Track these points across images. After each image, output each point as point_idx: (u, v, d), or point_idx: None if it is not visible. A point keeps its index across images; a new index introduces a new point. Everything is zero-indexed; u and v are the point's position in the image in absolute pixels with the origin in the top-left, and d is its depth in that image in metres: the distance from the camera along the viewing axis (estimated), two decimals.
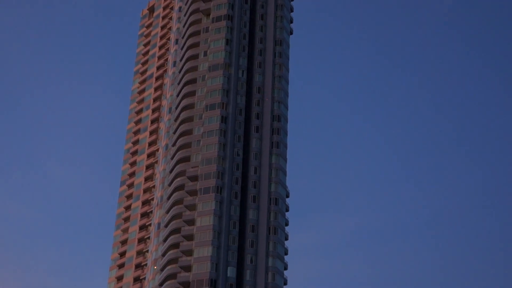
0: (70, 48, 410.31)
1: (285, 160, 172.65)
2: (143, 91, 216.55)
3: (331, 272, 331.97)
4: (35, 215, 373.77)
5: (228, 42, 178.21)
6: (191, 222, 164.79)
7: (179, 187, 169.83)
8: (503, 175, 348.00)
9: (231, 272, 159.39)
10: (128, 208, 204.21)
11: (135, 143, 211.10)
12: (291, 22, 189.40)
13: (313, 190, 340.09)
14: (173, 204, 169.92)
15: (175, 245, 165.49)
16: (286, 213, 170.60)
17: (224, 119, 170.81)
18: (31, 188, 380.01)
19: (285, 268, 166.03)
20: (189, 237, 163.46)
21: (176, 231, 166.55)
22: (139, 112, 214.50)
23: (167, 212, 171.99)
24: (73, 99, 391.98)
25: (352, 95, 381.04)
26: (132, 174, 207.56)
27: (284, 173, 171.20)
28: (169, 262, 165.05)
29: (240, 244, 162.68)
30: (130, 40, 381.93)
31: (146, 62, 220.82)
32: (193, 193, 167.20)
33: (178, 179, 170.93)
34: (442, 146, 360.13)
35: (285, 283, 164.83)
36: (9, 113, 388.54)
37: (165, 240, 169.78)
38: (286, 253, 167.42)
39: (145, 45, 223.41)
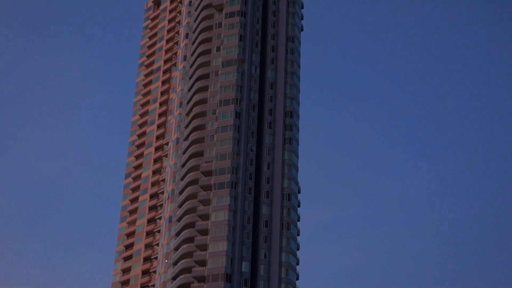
0: (72, 38, 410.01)
1: (297, 156, 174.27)
2: (148, 84, 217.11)
3: (340, 268, 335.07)
4: (36, 208, 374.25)
5: (241, 38, 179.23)
6: (205, 217, 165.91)
7: (193, 182, 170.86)
8: (494, 162, 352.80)
9: (245, 267, 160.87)
10: (133, 200, 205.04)
11: (141, 135, 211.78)
12: (302, 19, 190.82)
13: (321, 185, 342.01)
14: (186, 199, 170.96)
15: (189, 240, 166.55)
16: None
17: (238, 115, 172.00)
18: (33, 180, 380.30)
19: (297, 263, 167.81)
20: (204, 232, 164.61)
21: (189, 225, 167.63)
22: (145, 104, 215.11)
23: (180, 206, 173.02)
24: (75, 93, 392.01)
25: (359, 93, 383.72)
26: (137, 167, 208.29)
27: (296, 169, 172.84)
28: (182, 256, 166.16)
29: (254, 239, 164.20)
30: (134, 32, 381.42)
31: (151, 55, 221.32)
32: (207, 188, 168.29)
33: (191, 173, 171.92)
34: (443, 138, 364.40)
35: (297, 278, 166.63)
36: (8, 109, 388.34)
37: (177, 234, 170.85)
38: (298, 249, 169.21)
39: (150, 37, 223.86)
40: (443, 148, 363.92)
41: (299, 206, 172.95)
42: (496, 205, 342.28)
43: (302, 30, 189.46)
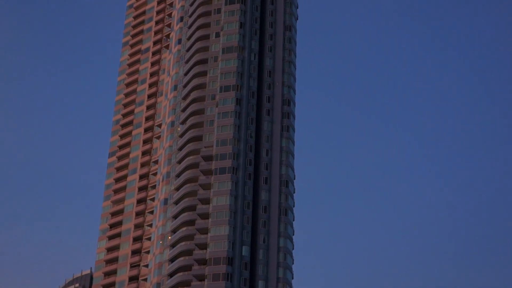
0: (51, 15, 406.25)
1: (294, 143, 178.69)
2: (134, 63, 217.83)
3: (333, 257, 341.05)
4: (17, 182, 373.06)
5: (241, 25, 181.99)
6: (205, 201, 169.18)
7: (192, 166, 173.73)
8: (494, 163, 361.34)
9: (245, 251, 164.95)
10: (118, 180, 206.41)
11: (126, 115, 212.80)
12: (297, 7, 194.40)
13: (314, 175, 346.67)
14: (185, 182, 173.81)
15: (188, 222, 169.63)
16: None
17: (238, 101, 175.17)
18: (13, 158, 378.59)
19: (293, 248, 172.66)
20: (204, 216, 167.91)
21: (189, 208, 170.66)
22: (130, 84, 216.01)
23: (177, 189, 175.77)
24: (55, 71, 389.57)
25: (351, 87, 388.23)
26: (123, 146, 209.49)
27: (293, 156, 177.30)
28: (182, 239, 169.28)
29: (253, 224, 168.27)
30: (117, 10, 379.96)
31: (136, 34, 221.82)
32: (207, 172, 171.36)
33: (191, 157, 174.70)
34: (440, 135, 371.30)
35: (293, 263, 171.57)
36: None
37: (175, 216, 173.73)
38: (293, 234, 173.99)
39: (135, 17, 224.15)
40: (443, 145, 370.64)
41: (294, 192, 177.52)
42: (496, 208, 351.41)
43: (297, 19, 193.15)
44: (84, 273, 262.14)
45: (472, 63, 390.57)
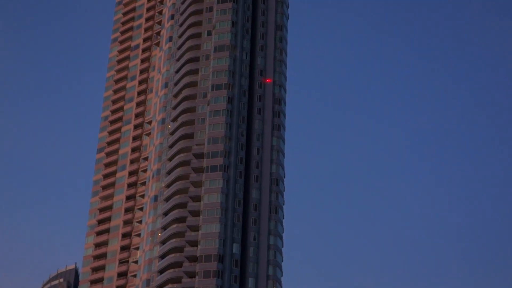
0: (40, 12, 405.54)
1: (284, 142, 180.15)
2: (123, 60, 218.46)
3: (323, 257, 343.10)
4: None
5: (234, 24, 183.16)
6: (197, 198, 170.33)
7: (183, 163, 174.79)
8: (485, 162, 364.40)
9: (236, 248, 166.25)
10: (107, 176, 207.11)
11: (115, 111, 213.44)
12: (288, 7, 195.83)
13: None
14: (176, 179, 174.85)
15: (179, 220, 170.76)
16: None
17: (230, 100, 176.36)
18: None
19: (282, 246, 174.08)
20: (196, 213, 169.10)
21: (180, 205, 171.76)
22: (119, 81, 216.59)
23: (168, 186, 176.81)
24: (43, 65, 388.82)
25: (340, 87, 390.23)
26: (111, 143, 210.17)
27: (283, 155, 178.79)
28: (172, 236, 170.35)
29: (243, 222, 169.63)
30: (106, 6, 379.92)
31: (126, 31, 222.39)
32: (198, 170, 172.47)
33: (182, 155, 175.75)
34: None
35: (282, 261, 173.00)
36: None
37: (165, 213, 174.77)
38: (283, 232, 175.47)
39: (125, 14, 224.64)
40: (436, 144, 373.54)
41: (284, 191, 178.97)
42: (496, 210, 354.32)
43: (288, 18, 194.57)
44: (68, 268, 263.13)
45: (459, 64, 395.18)
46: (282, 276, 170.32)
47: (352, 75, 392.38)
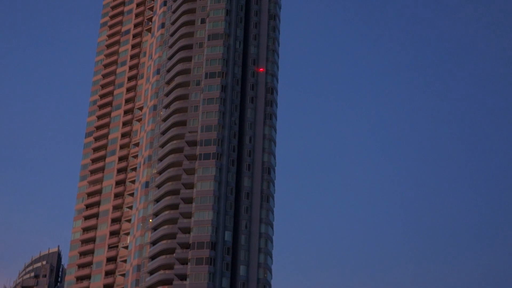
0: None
1: (276, 131, 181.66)
2: (112, 45, 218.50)
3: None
4: None
5: (227, 12, 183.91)
6: (189, 186, 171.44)
7: (176, 150, 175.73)
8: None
9: (228, 236, 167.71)
10: (95, 160, 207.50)
11: (104, 96, 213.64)
12: None
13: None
14: (169, 166, 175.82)
15: (172, 206, 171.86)
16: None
17: (223, 88, 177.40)
18: None
19: (273, 234, 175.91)
20: (188, 200, 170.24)
21: (172, 192, 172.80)
22: (108, 65, 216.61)
23: (160, 173, 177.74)
24: (33, 49, 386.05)
25: (328, 78, 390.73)
26: (100, 127, 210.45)
27: (275, 144, 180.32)
28: (164, 222, 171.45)
29: (235, 209, 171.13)
30: None
31: (115, 16, 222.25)
32: (191, 157, 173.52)
33: (174, 141, 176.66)
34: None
35: (273, 249, 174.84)
36: None
37: (157, 200, 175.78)
38: (273, 220, 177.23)
39: None
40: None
41: (275, 180, 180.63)
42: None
43: (280, 8, 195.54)
44: (51, 251, 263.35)
45: (446, 60, 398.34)
46: (272, 264, 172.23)
47: (342, 66, 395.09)
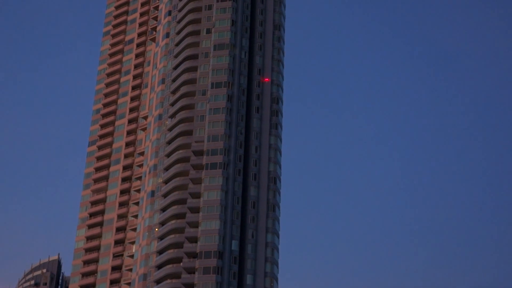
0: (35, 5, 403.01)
1: (281, 141, 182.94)
2: (115, 54, 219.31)
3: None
4: None
5: (233, 22, 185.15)
6: (196, 195, 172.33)
7: (182, 160, 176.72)
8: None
9: (234, 245, 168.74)
10: (99, 169, 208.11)
11: (107, 105, 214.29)
12: (285, 7, 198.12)
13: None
14: (175, 175, 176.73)
15: (178, 216, 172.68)
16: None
17: (229, 98, 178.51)
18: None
19: (279, 244, 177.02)
20: (195, 210, 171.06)
21: (179, 202, 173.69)
22: (112, 74, 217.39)
23: (166, 182, 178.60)
24: (35, 58, 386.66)
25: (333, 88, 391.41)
26: (103, 136, 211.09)
27: (280, 154, 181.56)
28: (171, 232, 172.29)
29: (242, 219, 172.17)
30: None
31: (118, 25, 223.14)
32: (198, 167, 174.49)
33: (181, 151, 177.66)
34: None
35: (279, 258, 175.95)
36: None
37: (163, 209, 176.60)
38: (279, 229, 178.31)
39: (117, 7, 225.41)
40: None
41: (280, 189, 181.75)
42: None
43: (285, 18, 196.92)
44: (51, 258, 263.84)
45: (472, 63, 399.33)
46: (278, 273, 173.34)
47: (347, 75, 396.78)
